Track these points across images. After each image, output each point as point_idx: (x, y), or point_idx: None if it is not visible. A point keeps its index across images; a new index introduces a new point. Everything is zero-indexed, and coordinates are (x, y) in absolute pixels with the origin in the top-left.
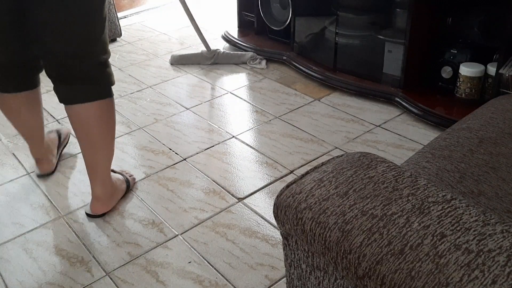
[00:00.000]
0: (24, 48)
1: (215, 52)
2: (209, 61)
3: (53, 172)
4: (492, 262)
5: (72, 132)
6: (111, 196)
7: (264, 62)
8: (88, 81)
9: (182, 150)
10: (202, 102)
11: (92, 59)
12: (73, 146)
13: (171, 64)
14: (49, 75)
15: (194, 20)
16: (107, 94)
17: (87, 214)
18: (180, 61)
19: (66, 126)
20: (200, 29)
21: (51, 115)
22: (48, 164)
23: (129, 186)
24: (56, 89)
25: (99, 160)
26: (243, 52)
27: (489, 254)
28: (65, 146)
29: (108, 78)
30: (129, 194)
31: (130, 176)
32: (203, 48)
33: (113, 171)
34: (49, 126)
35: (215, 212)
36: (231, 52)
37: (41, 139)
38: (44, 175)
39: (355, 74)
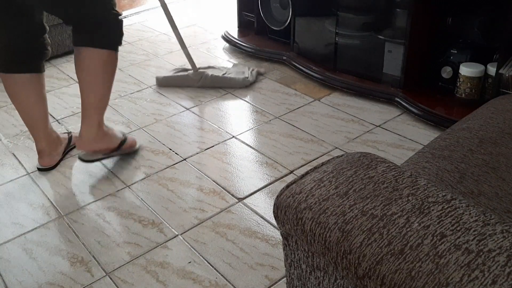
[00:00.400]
0: (27, 29)
1: (202, 74)
2: (196, 83)
3: (53, 168)
4: (492, 262)
5: None
6: (95, 139)
7: (262, 69)
8: (96, 31)
9: (182, 150)
10: (202, 102)
11: (97, 16)
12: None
13: (159, 86)
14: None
15: (180, 36)
16: (109, 46)
17: (79, 158)
18: (166, 83)
19: (66, 127)
20: (191, 46)
21: (51, 115)
22: (49, 159)
23: (125, 142)
24: (71, 32)
25: (90, 103)
26: (232, 77)
27: (489, 254)
28: (72, 148)
29: (114, 34)
30: (129, 193)
31: (129, 135)
32: (193, 68)
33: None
34: None
35: (215, 212)
36: (219, 76)
37: (44, 130)
38: (43, 169)
39: (355, 74)
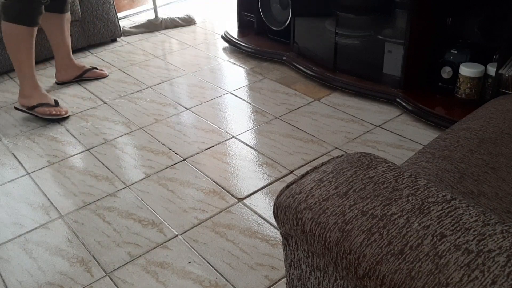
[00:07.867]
0: None
1: (162, 19)
2: (160, 28)
3: (61, 84)
4: (492, 262)
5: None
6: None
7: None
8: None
9: (182, 150)
10: (202, 102)
11: None
12: (73, 146)
13: (125, 35)
14: None
15: None
16: (4, 18)
17: (56, 83)
18: (132, 33)
19: (66, 126)
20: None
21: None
22: (61, 75)
23: (90, 69)
24: None
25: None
26: (187, 18)
27: (489, 254)
28: (84, 79)
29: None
30: (129, 193)
31: (63, 108)
32: (153, 21)
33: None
34: (49, 125)
35: (215, 212)
36: (175, 19)
37: (60, 54)
38: (57, 83)
39: (355, 74)
